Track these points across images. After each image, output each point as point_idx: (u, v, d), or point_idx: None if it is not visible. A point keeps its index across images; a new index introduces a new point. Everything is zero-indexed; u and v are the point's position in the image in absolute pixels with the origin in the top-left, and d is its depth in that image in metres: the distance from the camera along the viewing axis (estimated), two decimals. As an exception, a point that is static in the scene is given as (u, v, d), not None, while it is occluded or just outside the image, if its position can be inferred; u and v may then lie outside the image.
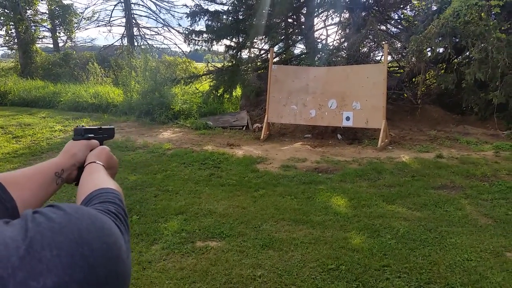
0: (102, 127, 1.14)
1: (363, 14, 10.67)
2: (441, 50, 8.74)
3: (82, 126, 1.08)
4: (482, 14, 7.32)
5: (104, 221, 0.53)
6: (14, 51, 20.62)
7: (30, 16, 19.72)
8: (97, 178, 0.83)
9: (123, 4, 23.39)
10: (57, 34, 22.13)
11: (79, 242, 0.46)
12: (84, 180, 0.85)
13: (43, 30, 21.58)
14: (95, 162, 0.94)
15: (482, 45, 7.37)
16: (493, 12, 7.56)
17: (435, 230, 3.63)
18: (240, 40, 11.17)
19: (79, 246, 0.46)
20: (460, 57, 9.39)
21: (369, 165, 5.92)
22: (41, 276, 0.41)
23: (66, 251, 0.44)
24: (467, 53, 8.83)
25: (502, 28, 7.56)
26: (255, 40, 11.23)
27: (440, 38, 7.97)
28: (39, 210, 0.49)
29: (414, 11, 10.83)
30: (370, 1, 10.96)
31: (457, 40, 8.24)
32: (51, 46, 22.87)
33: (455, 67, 8.59)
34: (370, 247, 3.32)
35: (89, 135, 1.06)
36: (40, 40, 21.59)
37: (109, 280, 0.47)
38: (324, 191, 4.78)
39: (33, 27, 19.70)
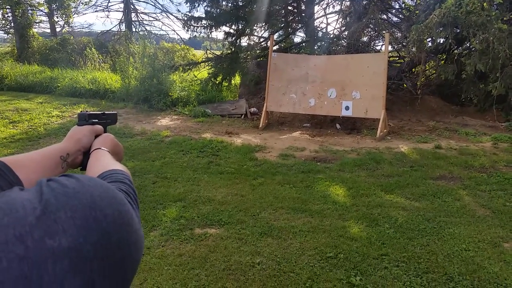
0: (105, 112, 1.14)
1: (364, 2, 10.57)
2: (441, 40, 8.69)
3: (86, 111, 1.07)
4: (484, 4, 7.26)
5: (116, 192, 0.55)
6: (10, 35, 20.36)
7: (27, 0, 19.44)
8: (105, 162, 0.85)
9: (121, -11, 23.09)
10: (55, 18, 21.86)
11: (92, 206, 0.48)
12: (91, 165, 0.87)
13: (40, 15, 21.35)
14: (100, 148, 0.95)
15: (484, 35, 7.32)
16: (495, 2, 7.50)
17: (433, 220, 3.64)
18: (240, 27, 11.06)
19: (92, 210, 0.47)
20: (460, 47, 9.33)
21: (368, 155, 5.92)
22: (57, 235, 0.43)
23: (80, 213, 0.46)
24: (468, 44, 8.77)
25: (504, 18, 7.50)
26: (254, 28, 11.13)
27: (441, 28, 7.91)
28: (53, 178, 0.51)
29: (415, 0, 10.74)
30: (372, -11, 10.84)
31: (458, 30, 8.17)
32: (48, 31, 22.63)
33: (455, 58, 8.53)
34: (368, 236, 3.33)
35: (93, 120, 1.06)
36: (37, 24, 21.36)
37: (121, 246, 0.49)
38: (323, 180, 4.78)
39: (30, 11, 19.43)
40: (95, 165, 0.84)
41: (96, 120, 1.07)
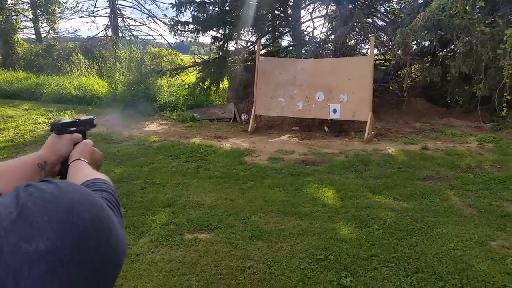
0: (80, 118, 1.10)
1: (350, 6, 10.67)
2: (426, 43, 8.82)
3: (59, 120, 1.04)
4: (467, 7, 7.39)
5: (95, 198, 0.55)
6: (-6, 41, 20.09)
7: (11, 5, 19.20)
8: (86, 172, 0.85)
9: (107, -6, 22.94)
10: (40, 24, 21.62)
11: (70, 211, 0.48)
12: (71, 175, 0.87)
13: (25, 20, 21.10)
14: (79, 159, 0.95)
15: (467, 38, 7.46)
16: (477, 6, 7.64)
17: (421, 221, 3.68)
18: (227, 31, 11.07)
19: (70, 215, 0.47)
20: (445, 50, 9.49)
21: (356, 157, 5.97)
22: (32, 239, 0.43)
23: (56, 218, 0.46)
24: (452, 46, 8.93)
25: (486, 21, 7.64)
26: (242, 32, 11.14)
27: (425, 31, 8.03)
28: (31, 183, 0.51)
29: (400, 4, 10.89)
30: (357, -7, 10.96)
31: (443, 33, 8.31)
32: (33, 36, 22.38)
33: (440, 60, 8.69)
34: (358, 237, 3.35)
35: (71, 129, 1.03)
36: (22, 30, 21.11)
37: (99, 250, 0.49)
38: (312, 183, 4.80)
39: (14, 17, 19.18)
40: (76, 175, 0.84)
41: (74, 128, 1.04)
